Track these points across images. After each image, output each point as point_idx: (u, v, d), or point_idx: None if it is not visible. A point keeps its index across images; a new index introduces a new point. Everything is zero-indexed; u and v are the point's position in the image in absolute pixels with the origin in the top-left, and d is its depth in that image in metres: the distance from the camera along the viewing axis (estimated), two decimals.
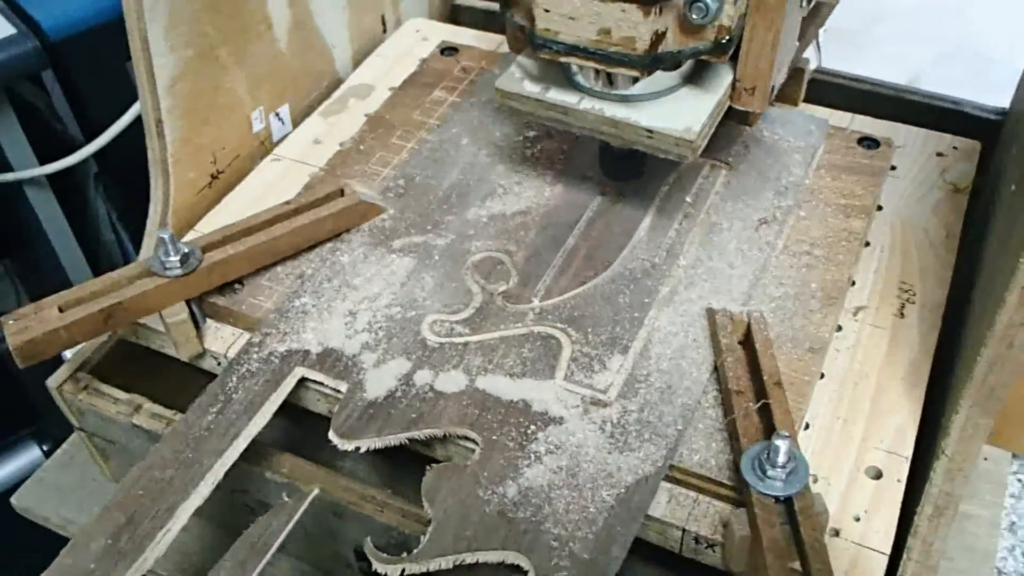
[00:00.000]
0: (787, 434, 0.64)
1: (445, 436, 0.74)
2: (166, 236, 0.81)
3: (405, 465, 0.78)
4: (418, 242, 0.90)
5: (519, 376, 0.77)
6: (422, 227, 0.92)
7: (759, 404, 0.70)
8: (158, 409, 0.83)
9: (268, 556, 0.68)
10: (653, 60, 0.75)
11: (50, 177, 1.38)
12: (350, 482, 0.75)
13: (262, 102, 1.06)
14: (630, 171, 0.94)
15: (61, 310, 0.79)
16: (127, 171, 1.24)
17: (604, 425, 0.73)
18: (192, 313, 0.84)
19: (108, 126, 1.28)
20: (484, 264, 0.88)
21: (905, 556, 0.68)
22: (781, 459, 0.64)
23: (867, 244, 0.90)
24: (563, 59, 0.78)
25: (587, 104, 0.82)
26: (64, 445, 0.96)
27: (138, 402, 0.83)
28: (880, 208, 0.94)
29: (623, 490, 0.69)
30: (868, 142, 0.98)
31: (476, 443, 0.73)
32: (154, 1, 0.85)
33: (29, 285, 1.64)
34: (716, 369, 0.77)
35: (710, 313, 0.80)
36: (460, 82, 1.10)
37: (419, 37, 1.21)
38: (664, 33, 0.75)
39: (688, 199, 0.92)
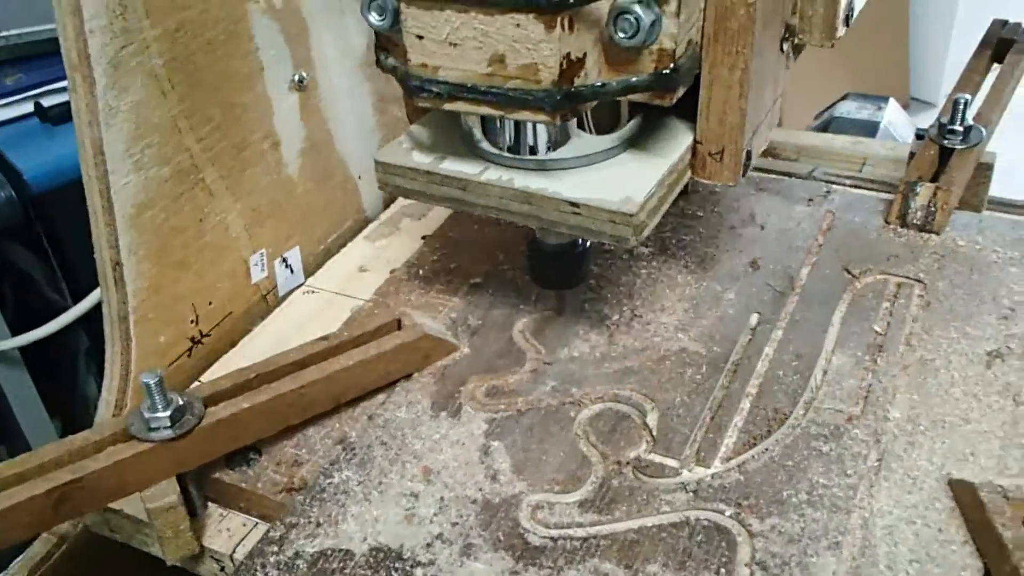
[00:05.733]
0: None
1: None
2: (152, 381, 0.56)
3: None
4: (503, 390, 0.65)
5: None
6: (507, 370, 0.66)
7: None
8: None
9: None
10: (566, 97, 0.54)
11: (27, 350, 1.11)
12: None
13: (264, 243, 0.78)
14: (566, 273, 0.70)
15: None
16: None
17: None
18: (187, 495, 0.59)
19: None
20: (601, 420, 0.62)
21: None
22: None
23: None
24: (447, 105, 0.57)
25: (491, 175, 0.61)
26: None
27: None
28: None
29: None
30: None
31: None
32: (115, 99, 0.61)
33: None
34: None
35: (959, 488, 0.53)
36: None
37: None
38: (582, 60, 0.54)
39: (876, 327, 0.67)
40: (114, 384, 0.67)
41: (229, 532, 0.60)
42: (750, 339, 0.67)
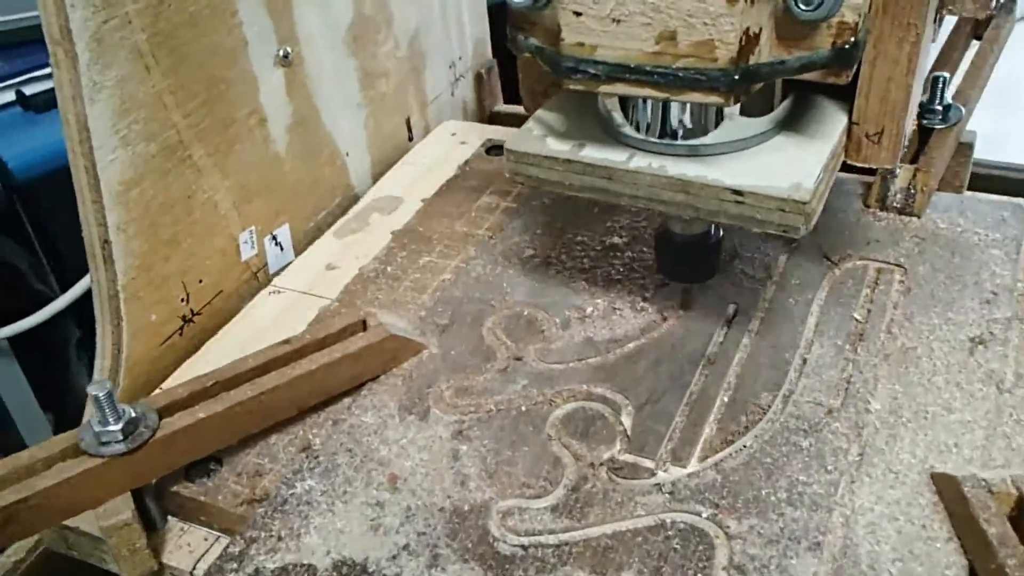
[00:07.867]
0: None
1: None
2: (101, 394, 0.54)
3: None
4: (473, 390, 0.62)
5: None
6: (477, 369, 0.64)
7: None
8: None
9: None
10: (744, 76, 0.50)
11: (16, 343, 1.10)
12: None
13: (253, 221, 0.78)
14: (700, 266, 0.67)
15: None
16: None
17: None
18: (145, 509, 0.57)
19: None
20: (575, 419, 0.59)
21: None
22: None
23: None
24: (603, 88, 0.53)
25: (639, 162, 0.57)
26: None
27: None
28: None
29: None
30: None
31: None
32: (99, 74, 0.60)
33: None
34: (972, 574, 0.47)
35: (942, 482, 0.51)
36: (515, 184, 0.85)
37: (456, 141, 0.97)
38: (758, 35, 0.49)
39: (856, 315, 0.65)
40: (106, 364, 0.66)
41: (190, 547, 0.58)
42: (727, 330, 0.65)
